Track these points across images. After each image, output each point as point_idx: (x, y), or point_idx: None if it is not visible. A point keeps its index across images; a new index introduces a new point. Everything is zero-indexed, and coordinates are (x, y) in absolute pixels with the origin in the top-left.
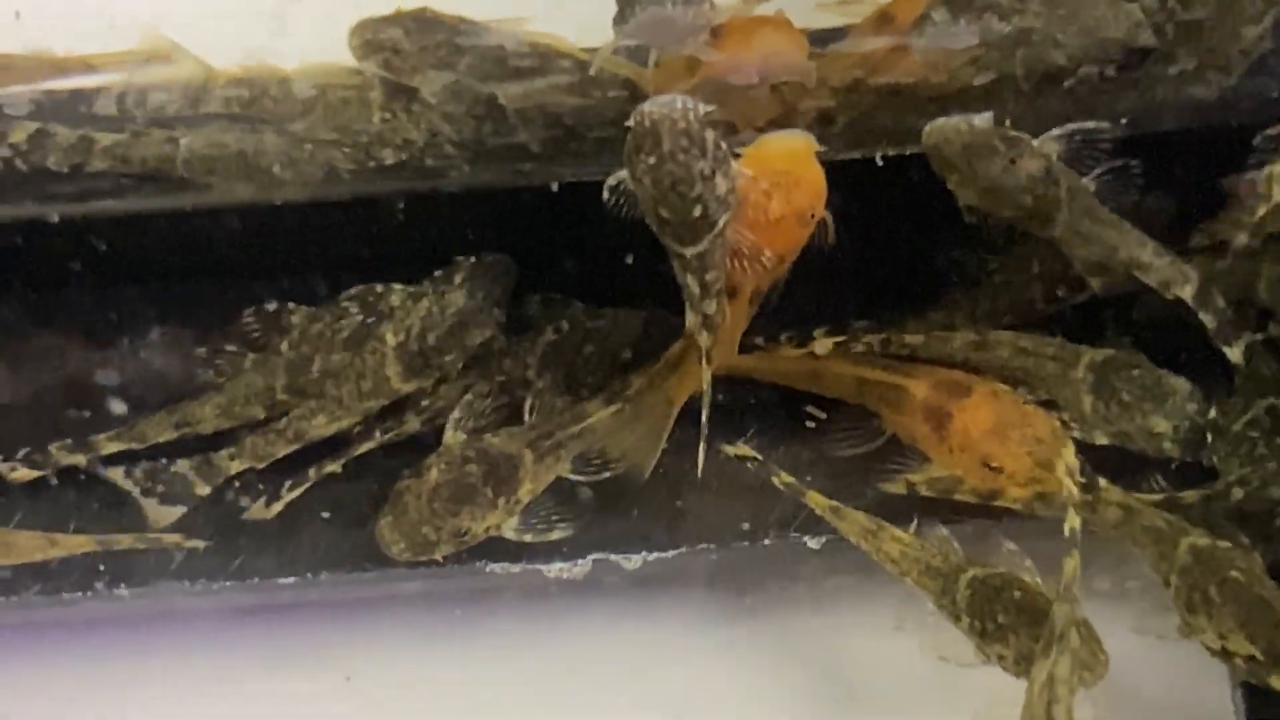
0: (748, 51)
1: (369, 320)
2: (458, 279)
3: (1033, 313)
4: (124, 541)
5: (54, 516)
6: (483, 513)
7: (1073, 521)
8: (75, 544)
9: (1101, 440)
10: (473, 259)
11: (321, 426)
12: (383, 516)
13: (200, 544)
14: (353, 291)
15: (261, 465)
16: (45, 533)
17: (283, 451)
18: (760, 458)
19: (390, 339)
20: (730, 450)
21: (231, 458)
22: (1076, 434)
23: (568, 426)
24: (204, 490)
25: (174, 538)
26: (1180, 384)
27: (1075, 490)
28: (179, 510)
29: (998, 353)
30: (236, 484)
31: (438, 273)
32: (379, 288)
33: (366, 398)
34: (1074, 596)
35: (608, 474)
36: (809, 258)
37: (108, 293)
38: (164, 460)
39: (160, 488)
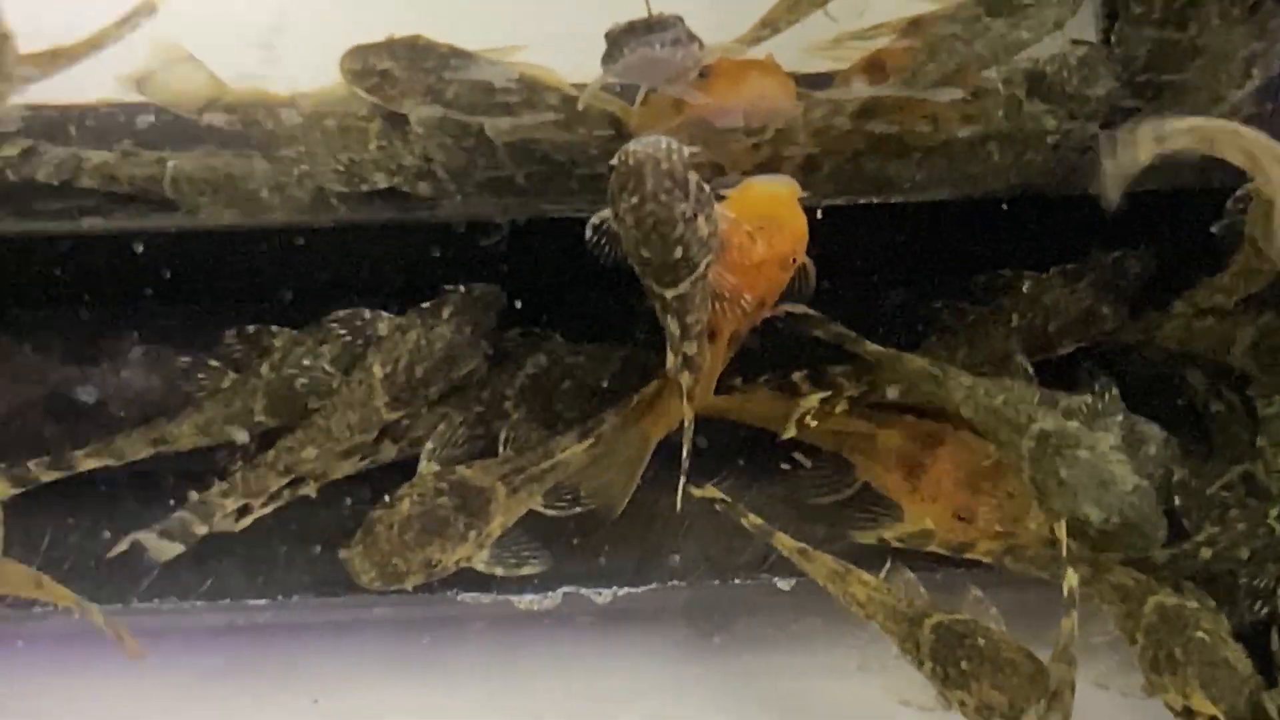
0: (735, 94)
1: (356, 343)
2: (446, 312)
3: (1008, 364)
4: (98, 618)
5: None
6: (454, 545)
7: (1071, 581)
8: (59, 595)
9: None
10: (461, 290)
11: (311, 459)
12: (354, 545)
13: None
14: (340, 314)
15: (258, 500)
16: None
17: (274, 485)
18: (728, 500)
19: (378, 370)
20: (698, 492)
21: (224, 495)
22: None
23: (541, 460)
24: (202, 529)
25: (134, 647)
26: (1153, 432)
27: (1065, 546)
28: (179, 547)
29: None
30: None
31: (425, 304)
32: (366, 313)
33: (355, 429)
34: (1070, 656)
35: (579, 509)
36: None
37: (92, 310)
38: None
39: (160, 527)
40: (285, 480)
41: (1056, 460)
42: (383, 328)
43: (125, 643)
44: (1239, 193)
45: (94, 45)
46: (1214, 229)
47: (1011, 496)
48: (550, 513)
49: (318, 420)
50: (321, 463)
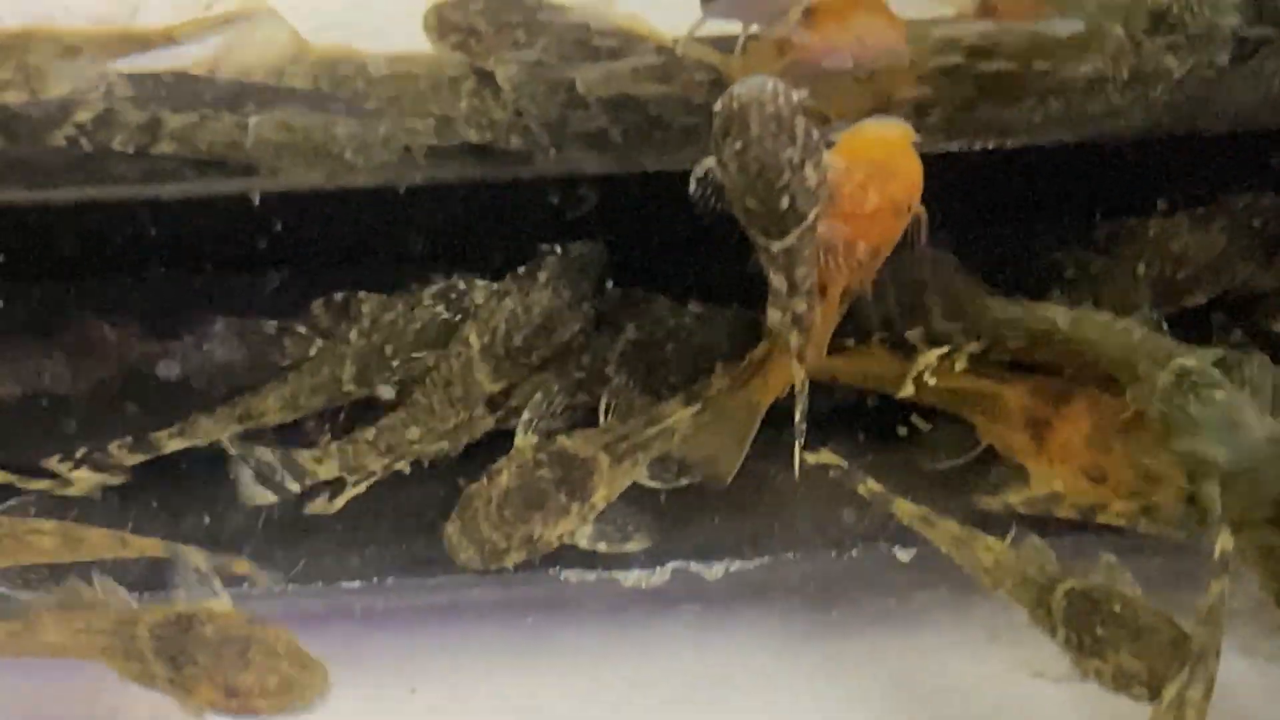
0: (842, 34)
1: (455, 317)
2: (543, 276)
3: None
4: (195, 557)
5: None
6: (555, 519)
7: (1225, 543)
8: (145, 546)
9: None
10: (558, 251)
11: (415, 439)
12: (451, 522)
13: (264, 577)
14: (434, 288)
15: (353, 476)
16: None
17: (375, 465)
18: (845, 464)
19: (475, 341)
20: (813, 458)
21: (317, 461)
22: None
23: (645, 429)
24: (294, 485)
25: (244, 565)
26: None
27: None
28: (270, 496)
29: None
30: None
31: (522, 268)
32: (461, 283)
33: (458, 404)
34: (1218, 620)
35: (685, 481)
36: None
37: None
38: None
39: (262, 468)
40: (386, 460)
41: (1190, 397)
42: (478, 296)
43: (235, 567)
44: None
45: (172, 37)
46: None
47: (1147, 455)
48: (655, 484)
49: (419, 398)
50: (425, 442)
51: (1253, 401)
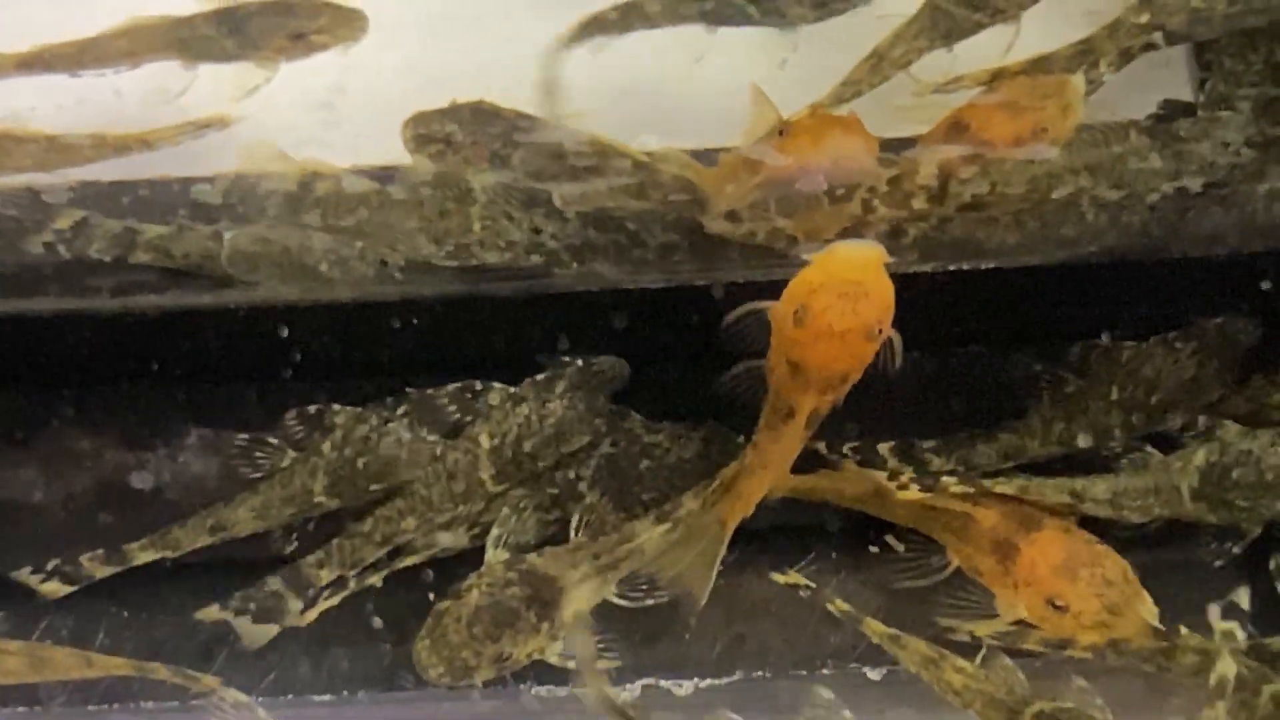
0: (816, 156)
1: (465, 418)
2: (560, 387)
3: (1109, 437)
4: (161, 673)
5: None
6: (525, 637)
7: (1226, 668)
8: (111, 665)
9: None
10: (579, 363)
11: (411, 529)
12: (420, 639)
13: (241, 696)
14: (450, 388)
15: (352, 573)
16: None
17: (371, 557)
18: (813, 585)
19: (485, 441)
20: (781, 579)
21: (319, 565)
22: None
23: (615, 547)
24: (297, 605)
25: (211, 681)
26: None
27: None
28: (274, 629)
29: None
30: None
31: (540, 376)
32: (478, 385)
33: (458, 499)
34: None
35: (652, 601)
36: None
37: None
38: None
39: (253, 606)
40: (383, 550)
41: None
42: (494, 399)
43: (199, 683)
44: None
45: (148, 142)
46: None
47: (1111, 584)
48: (624, 603)
49: (419, 489)
50: (421, 534)
51: None
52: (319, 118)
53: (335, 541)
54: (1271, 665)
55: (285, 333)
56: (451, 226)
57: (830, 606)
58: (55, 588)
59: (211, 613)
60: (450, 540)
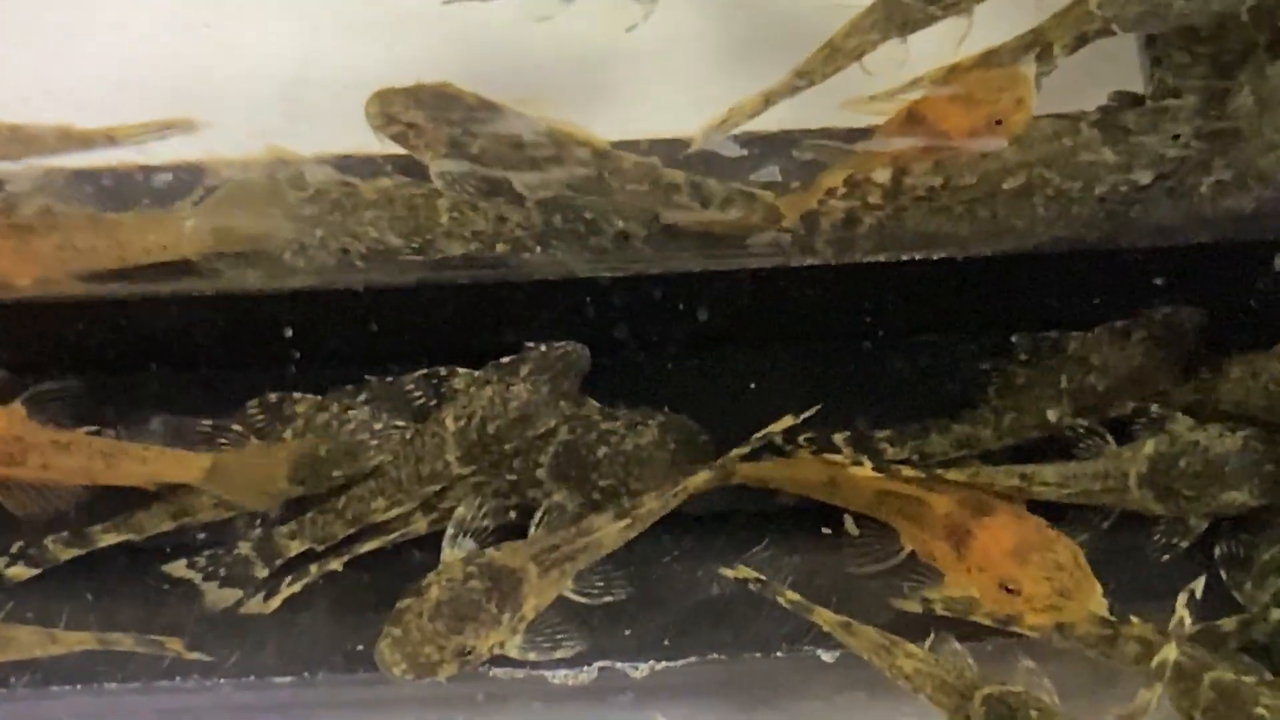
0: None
1: (431, 404)
2: (524, 370)
3: (1059, 426)
4: (125, 642)
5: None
6: (487, 630)
7: (1168, 653)
8: (75, 640)
9: None
10: (543, 348)
11: (380, 509)
12: (383, 637)
13: (203, 656)
14: (415, 375)
15: (321, 547)
16: (45, 628)
17: (342, 534)
18: (763, 578)
19: (450, 424)
20: (730, 573)
21: (290, 536)
22: None
23: (574, 540)
24: (263, 572)
25: (175, 644)
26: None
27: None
28: (238, 593)
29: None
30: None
31: (505, 360)
32: (443, 370)
33: (425, 481)
34: None
35: (610, 598)
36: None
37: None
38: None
39: (221, 570)
40: (352, 529)
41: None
42: (459, 383)
43: (165, 645)
44: None
45: (112, 137)
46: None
47: (1061, 569)
48: (582, 599)
49: (389, 470)
50: (388, 514)
51: None
52: (282, 109)
53: (309, 514)
54: (1223, 644)
55: (250, 320)
56: (420, 222)
57: (781, 600)
58: (20, 571)
59: (179, 568)
60: (414, 525)
